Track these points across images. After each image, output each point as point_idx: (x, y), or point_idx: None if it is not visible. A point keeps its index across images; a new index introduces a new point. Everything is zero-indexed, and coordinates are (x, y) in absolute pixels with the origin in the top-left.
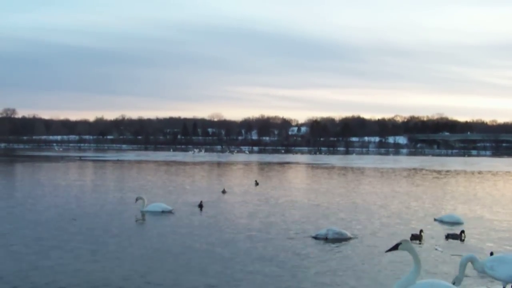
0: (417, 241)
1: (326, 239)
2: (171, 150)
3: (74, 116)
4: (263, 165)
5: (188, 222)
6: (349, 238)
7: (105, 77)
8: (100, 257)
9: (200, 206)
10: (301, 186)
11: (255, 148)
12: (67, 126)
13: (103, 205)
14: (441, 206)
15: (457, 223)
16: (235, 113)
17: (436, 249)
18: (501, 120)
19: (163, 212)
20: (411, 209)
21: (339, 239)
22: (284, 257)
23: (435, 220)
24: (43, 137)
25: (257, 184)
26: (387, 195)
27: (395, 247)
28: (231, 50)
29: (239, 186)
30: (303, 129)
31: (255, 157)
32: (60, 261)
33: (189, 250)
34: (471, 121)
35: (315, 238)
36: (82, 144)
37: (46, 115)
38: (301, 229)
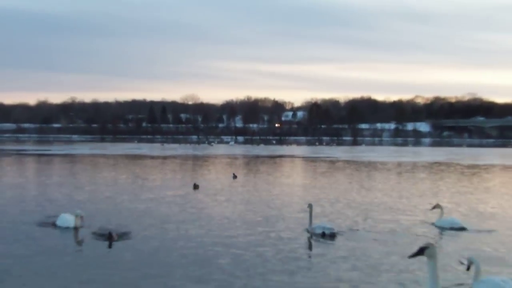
0: None
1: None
2: (136, 141)
3: (9, 99)
4: (249, 159)
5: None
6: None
7: (49, 50)
8: None
9: (109, 238)
10: (292, 182)
11: (240, 138)
12: (0, 112)
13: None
14: (470, 209)
15: (457, 228)
16: (215, 95)
17: (461, 263)
18: None
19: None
20: (427, 214)
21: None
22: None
23: (435, 225)
24: None
25: (235, 177)
26: (398, 194)
27: (421, 252)
28: (209, 16)
29: (215, 181)
30: (300, 114)
31: (239, 149)
32: None
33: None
34: None
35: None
36: (20, 135)
37: None
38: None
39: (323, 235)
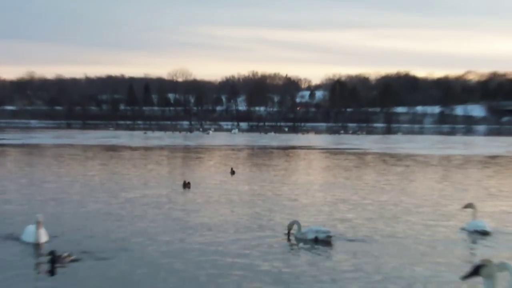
0: None
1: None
2: (112, 128)
3: None
4: (253, 151)
5: None
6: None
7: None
8: None
9: (53, 259)
10: (306, 179)
11: (243, 125)
12: None
13: None
14: None
15: (480, 232)
16: (211, 70)
17: None
18: None
19: None
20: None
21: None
22: None
23: (464, 229)
24: None
25: (233, 173)
26: (439, 195)
27: (476, 272)
28: None
29: (210, 177)
30: (319, 94)
31: (242, 139)
32: None
33: None
34: None
35: None
36: None
37: None
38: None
39: (315, 240)
